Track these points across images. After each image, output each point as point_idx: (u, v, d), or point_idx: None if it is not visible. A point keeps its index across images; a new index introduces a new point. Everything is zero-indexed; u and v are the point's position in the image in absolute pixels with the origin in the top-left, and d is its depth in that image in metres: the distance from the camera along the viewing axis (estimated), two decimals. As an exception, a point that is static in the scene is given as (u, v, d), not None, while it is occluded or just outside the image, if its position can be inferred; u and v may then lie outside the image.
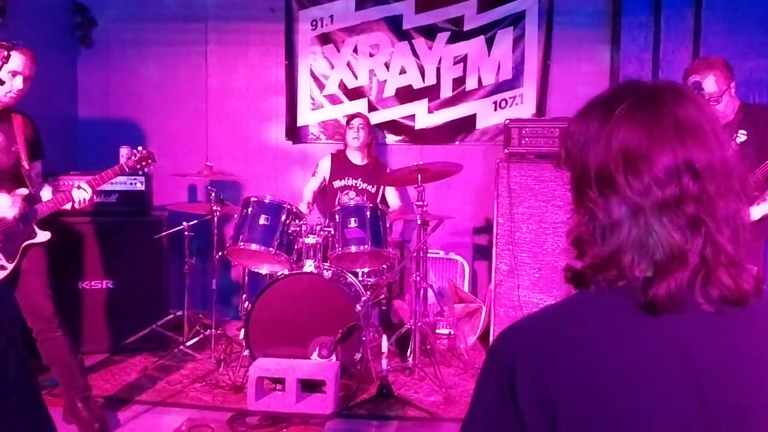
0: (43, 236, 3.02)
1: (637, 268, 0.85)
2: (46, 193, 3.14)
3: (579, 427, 0.82)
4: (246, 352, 3.65)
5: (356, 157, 4.60)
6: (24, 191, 2.97)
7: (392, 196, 4.70)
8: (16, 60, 2.88)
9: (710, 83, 2.69)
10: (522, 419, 0.84)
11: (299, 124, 5.08)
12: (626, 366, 0.83)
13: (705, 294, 0.83)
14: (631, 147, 0.85)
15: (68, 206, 3.08)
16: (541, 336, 0.88)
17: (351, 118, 4.60)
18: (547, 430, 0.83)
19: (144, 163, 3.31)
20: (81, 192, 3.05)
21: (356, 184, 4.54)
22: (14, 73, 2.89)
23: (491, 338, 4.12)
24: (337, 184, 4.55)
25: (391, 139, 5.04)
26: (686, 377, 0.82)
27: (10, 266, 2.93)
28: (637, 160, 0.85)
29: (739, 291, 0.84)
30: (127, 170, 3.27)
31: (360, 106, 4.98)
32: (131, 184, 4.28)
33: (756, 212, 2.61)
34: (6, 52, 2.80)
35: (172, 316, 4.31)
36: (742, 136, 2.75)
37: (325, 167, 4.60)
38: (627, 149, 0.85)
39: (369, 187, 4.56)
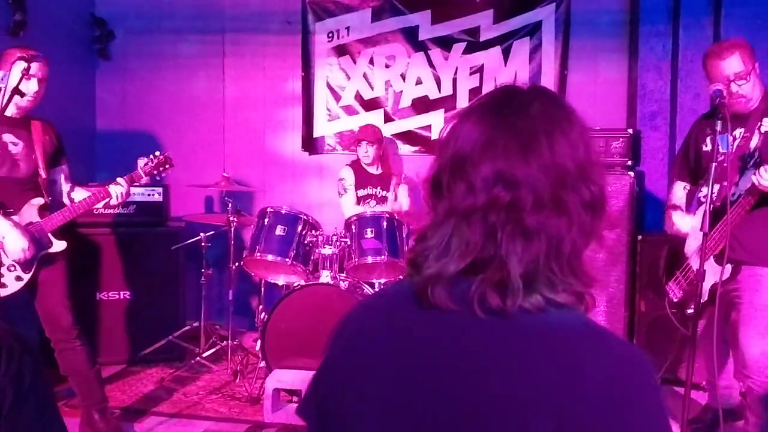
0: (59, 246, 3.02)
1: (434, 264, 0.86)
2: (80, 194, 3.15)
3: (331, 388, 0.93)
4: (262, 364, 3.64)
5: (371, 167, 4.58)
6: (39, 201, 2.98)
7: (404, 196, 4.64)
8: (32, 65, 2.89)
9: (736, 62, 2.61)
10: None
11: (315, 135, 5.09)
12: (374, 351, 0.89)
13: (474, 297, 0.82)
14: (460, 153, 0.86)
15: (101, 204, 3.12)
16: (348, 319, 0.98)
17: (358, 140, 4.50)
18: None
19: (161, 168, 3.32)
20: (118, 187, 3.08)
21: (376, 192, 4.53)
22: (28, 77, 2.88)
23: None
24: (360, 193, 4.54)
25: (407, 149, 5.03)
26: (428, 375, 0.84)
27: (26, 277, 2.94)
28: (461, 166, 0.85)
29: (501, 304, 0.81)
30: (144, 176, 3.25)
31: (376, 116, 4.97)
32: (149, 195, 4.31)
33: None
34: (27, 65, 2.82)
35: (188, 327, 4.31)
36: (767, 125, 2.66)
37: (350, 179, 4.56)
38: (456, 155, 0.86)
39: (386, 193, 4.55)
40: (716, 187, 2.56)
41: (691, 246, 2.87)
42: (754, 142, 2.65)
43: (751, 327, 2.64)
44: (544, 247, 0.82)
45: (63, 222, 3.02)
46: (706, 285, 2.72)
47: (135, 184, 3.26)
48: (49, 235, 2.99)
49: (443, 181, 0.87)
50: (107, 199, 3.11)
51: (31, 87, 2.89)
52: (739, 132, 2.69)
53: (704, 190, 2.79)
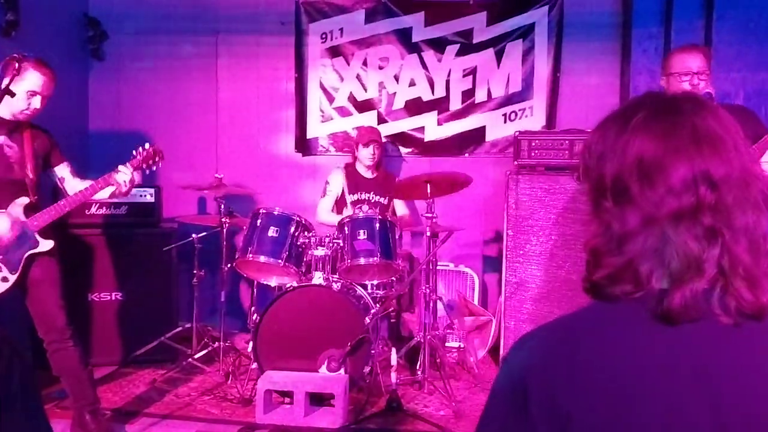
0: (45, 245, 3.01)
1: (654, 278, 0.83)
2: (80, 184, 3.13)
3: None
4: (254, 365, 3.63)
5: (366, 171, 4.59)
6: (24, 200, 2.98)
7: (400, 206, 4.67)
8: (35, 80, 2.90)
9: (700, 60, 2.77)
10: (534, 430, 0.83)
11: (309, 136, 5.09)
12: (641, 377, 0.82)
13: (722, 305, 0.82)
14: (646, 157, 0.85)
15: (106, 194, 3.09)
16: (556, 346, 0.88)
17: (369, 141, 4.48)
18: None
19: (150, 161, 3.25)
20: (122, 174, 3.06)
21: (369, 197, 4.53)
22: (33, 93, 2.91)
23: (501, 352, 4.08)
24: (351, 198, 4.53)
25: (400, 151, 5.04)
26: (701, 389, 0.81)
27: (12, 277, 2.93)
28: (652, 170, 0.84)
29: (756, 303, 0.82)
30: (132, 170, 3.15)
31: (369, 118, 4.98)
32: (141, 196, 4.30)
33: None
34: (17, 64, 2.81)
35: (180, 328, 4.30)
36: None
37: (337, 182, 4.56)
38: (642, 159, 0.85)
39: (381, 200, 4.55)
40: None
41: None
42: None
43: None
44: (750, 245, 0.83)
45: (50, 220, 3.00)
46: None
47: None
48: (36, 234, 2.98)
49: (631, 188, 0.85)
50: (113, 188, 3.07)
51: (33, 104, 2.93)
52: None
53: None
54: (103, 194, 3.12)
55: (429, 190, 3.72)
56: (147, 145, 3.28)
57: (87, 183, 3.11)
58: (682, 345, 0.83)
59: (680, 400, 0.81)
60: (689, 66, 2.76)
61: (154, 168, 3.31)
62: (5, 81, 2.76)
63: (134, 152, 3.25)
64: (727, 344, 0.83)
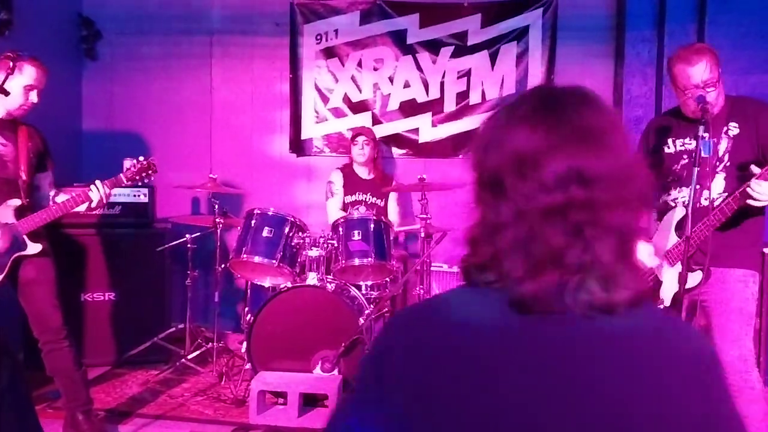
0: (33, 248, 2.99)
1: (516, 269, 0.85)
2: (62, 198, 3.10)
3: (432, 413, 0.84)
4: (248, 366, 3.63)
5: (363, 172, 4.58)
6: (16, 202, 2.96)
7: (393, 210, 4.64)
8: (32, 73, 2.90)
9: (705, 69, 2.55)
10: (384, 399, 0.87)
11: (303, 137, 5.09)
12: (494, 363, 0.84)
13: (575, 299, 0.83)
14: (523, 151, 0.86)
15: (83, 207, 3.07)
16: (414, 322, 0.92)
17: (355, 134, 4.54)
18: (404, 411, 0.85)
19: (144, 174, 3.26)
20: (96, 193, 3.04)
21: (365, 198, 4.53)
22: (31, 87, 2.92)
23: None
24: (348, 199, 4.53)
25: (395, 152, 5.04)
26: (552, 378, 0.82)
27: None
28: (527, 164, 0.85)
29: (607, 300, 0.83)
30: (126, 181, 3.18)
31: (364, 119, 4.99)
32: (135, 196, 4.29)
33: None
34: (11, 63, 2.81)
35: (174, 329, 4.29)
36: (734, 129, 2.66)
37: (338, 183, 4.56)
38: (518, 153, 0.86)
39: (378, 201, 4.54)
40: (700, 192, 2.59)
41: (650, 252, 2.87)
42: (722, 146, 2.66)
43: (728, 331, 2.65)
44: (619, 242, 0.84)
45: (40, 224, 2.98)
46: (669, 291, 2.75)
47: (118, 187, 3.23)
48: (25, 237, 2.97)
49: (505, 180, 0.86)
50: (87, 203, 3.06)
51: (31, 98, 2.93)
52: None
53: (673, 193, 2.82)
54: (80, 207, 3.10)
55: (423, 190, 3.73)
56: (141, 158, 3.28)
57: (63, 196, 3.09)
58: (536, 334, 0.84)
59: (532, 387, 0.82)
60: (693, 80, 2.57)
61: (147, 180, 3.32)
62: None
63: (126, 161, 3.25)
64: (579, 336, 0.84)
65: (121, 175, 3.19)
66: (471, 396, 0.84)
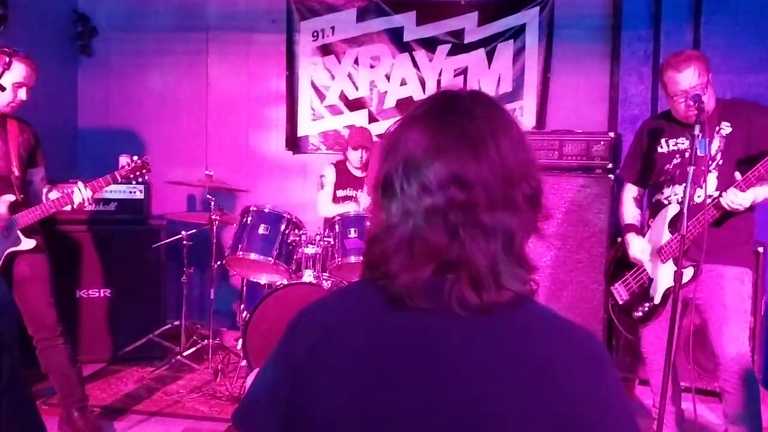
0: (27, 244, 2.98)
1: (398, 266, 0.89)
2: (54, 195, 3.09)
3: (305, 387, 0.91)
4: (243, 363, 3.63)
5: (356, 169, 4.57)
6: (10, 198, 2.95)
7: (364, 197, 4.63)
8: (22, 71, 2.89)
9: (692, 75, 2.62)
10: (292, 370, 0.94)
11: (299, 134, 5.09)
12: (373, 357, 0.89)
13: (451, 297, 0.86)
14: (411, 155, 0.89)
15: (68, 207, 3.05)
16: (312, 314, 0.99)
17: (357, 146, 4.38)
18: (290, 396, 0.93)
19: (138, 173, 3.27)
20: (78, 196, 3.02)
21: (357, 195, 4.53)
22: (20, 85, 2.91)
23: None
24: (339, 193, 4.53)
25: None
26: (428, 373, 0.85)
27: None
28: (413, 168, 0.88)
29: (478, 300, 0.85)
30: (120, 179, 3.18)
31: (360, 117, 4.99)
32: (130, 192, 4.28)
33: (760, 191, 2.57)
34: (7, 59, 2.80)
35: (169, 325, 4.29)
36: (726, 128, 2.70)
37: (330, 177, 4.55)
38: (407, 157, 0.89)
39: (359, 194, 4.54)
40: (697, 190, 2.61)
41: (643, 248, 2.89)
42: (715, 145, 2.70)
43: (726, 328, 2.67)
44: (500, 243, 0.87)
45: (34, 220, 2.98)
46: (661, 288, 2.77)
47: (98, 192, 3.18)
48: (18, 232, 2.96)
49: (395, 182, 0.90)
50: (69, 205, 3.03)
51: (20, 95, 2.92)
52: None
53: (666, 191, 2.85)
54: (66, 206, 3.08)
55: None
56: (135, 157, 3.29)
57: (55, 193, 3.07)
58: (414, 330, 0.88)
59: (393, 380, 0.86)
60: (681, 86, 2.65)
61: (141, 179, 3.33)
62: None
63: (122, 157, 3.24)
64: (458, 334, 0.86)
65: (116, 173, 3.17)
66: (339, 381, 0.89)
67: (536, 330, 0.88)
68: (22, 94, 2.93)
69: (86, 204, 3.06)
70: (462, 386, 0.84)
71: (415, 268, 0.87)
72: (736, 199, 2.54)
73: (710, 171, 2.70)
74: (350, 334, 0.92)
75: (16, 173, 2.97)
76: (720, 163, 2.70)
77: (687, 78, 2.63)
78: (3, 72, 2.78)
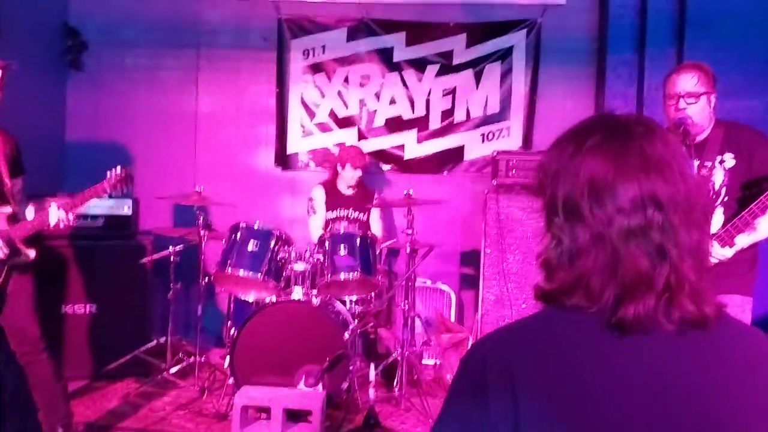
0: (29, 254, 2.96)
1: (606, 292, 0.89)
2: (29, 213, 3.05)
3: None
4: (231, 380, 3.60)
5: (346, 189, 4.59)
6: (8, 209, 2.93)
7: (375, 225, 4.66)
8: None
9: (690, 81, 2.60)
10: (490, 419, 0.87)
11: (289, 151, 5.11)
12: (593, 383, 0.87)
13: (668, 316, 0.88)
14: (597, 178, 0.90)
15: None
16: (511, 340, 0.94)
17: (355, 167, 4.44)
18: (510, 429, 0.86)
19: (121, 184, 3.19)
20: (53, 217, 2.94)
21: (347, 214, 4.54)
22: None
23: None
24: (329, 215, 4.53)
25: (380, 167, 5.08)
26: (651, 394, 0.87)
27: None
28: (602, 190, 0.90)
29: (700, 315, 0.89)
30: (102, 192, 3.11)
31: (350, 134, 5.02)
32: (118, 207, 4.25)
33: (743, 240, 2.53)
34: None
35: (155, 342, 4.24)
36: (730, 160, 2.65)
37: (320, 199, 4.56)
38: (593, 180, 0.91)
39: (360, 215, 4.56)
40: None
41: None
42: (718, 178, 2.65)
43: None
44: (696, 262, 0.90)
45: (33, 231, 2.96)
46: None
47: (81, 206, 3.11)
48: (20, 244, 2.93)
49: (581, 206, 0.90)
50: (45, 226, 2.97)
51: None
52: (695, 163, 2.66)
53: None
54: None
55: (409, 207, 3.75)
56: (119, 168, 3.19)
57: (28, 207, 3.01)
58: (631, 353, 0.88)
59: (630, 406, 0.86)
60: (676, 89, 2.63)
61: (124, 191, 3.24)
62: None
63: (109, 172, 3.18)
64: (673, 352, 0.89)
65: (97, 186, 3.10)
66: (577, 420, 0.86)
67: (744, 335, 0.96)
68: None
69: (63, 224, 2.98)
70: (701, 401, 0.88)
71: (636, 296, 0.87)
72: (716, 254, 2.50)
73: (716, 206, 2.63)
74: (575, 362, 0.89)
75: (8, 183, 2.95)
76: (725, 199, 2.63)
77: (684, 81, 2.62)
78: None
